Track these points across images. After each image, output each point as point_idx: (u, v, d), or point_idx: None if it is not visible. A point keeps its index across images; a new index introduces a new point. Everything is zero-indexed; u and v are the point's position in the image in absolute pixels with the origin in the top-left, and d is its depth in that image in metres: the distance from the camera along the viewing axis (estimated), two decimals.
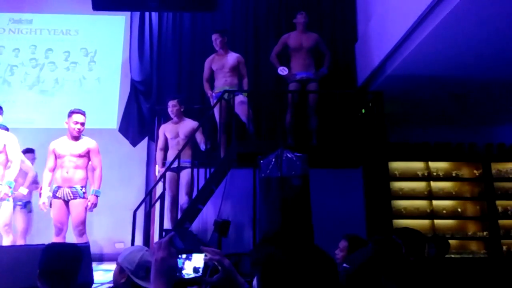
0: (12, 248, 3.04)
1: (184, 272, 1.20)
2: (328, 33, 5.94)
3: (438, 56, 4.24)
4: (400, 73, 4.72)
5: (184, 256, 1.22)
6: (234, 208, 5.43)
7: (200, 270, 1.22)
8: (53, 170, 3.96)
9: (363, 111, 5.33)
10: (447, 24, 3.57)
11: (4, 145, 3.82)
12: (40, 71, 6.20)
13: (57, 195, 3.87)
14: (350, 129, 5.19)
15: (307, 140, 5.02)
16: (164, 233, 4.29)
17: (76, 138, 3.96)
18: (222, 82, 4.96)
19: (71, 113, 3.97)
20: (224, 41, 4.99)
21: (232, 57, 5.01)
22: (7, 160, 3.82)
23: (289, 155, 4.42)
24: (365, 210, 5.18)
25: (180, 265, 1.20)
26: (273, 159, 4.43)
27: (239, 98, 4.86)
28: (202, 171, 4.98)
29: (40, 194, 4.07)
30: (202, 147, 4.77)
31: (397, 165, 5.69)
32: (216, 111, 4.89)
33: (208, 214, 5.37)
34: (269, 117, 5.39)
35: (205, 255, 1.23)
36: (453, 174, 5.75)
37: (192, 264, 1.23)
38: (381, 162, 5.19)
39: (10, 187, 3.75)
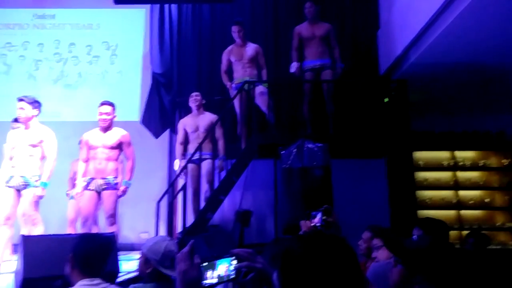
0: (43, 237, 3.14)
1: (206, 281, 1.16)
2: (349, 21, 5.82)
3: (464, 42, 4.10)
4: (424, 60, 4.59)
5: (206, 264, 1.18)
6: (255, 199, 5.44)
7: (230, 274, 1.20)
8: (86, 161, 4.05)
9: (386, 99, 5.22)
10: (473, 8, 3.43)
11: (41, 140, 3.90)
12: (64, 65, 6.31)
13: (89, 187, 3.95)
14: (373, 118, 5.11)
15: (328, 130, 4.97)
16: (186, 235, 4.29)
17: (106, 129, 4.03)
18: (241, 73, 4.94)
19: (99, 104, 4.07)
20: (243, 33, 4.96)
21: (250, 48, 4.98)
22: (43, 156, 3.91)
23: (310, 146, 4.39)
24: (388, 201, 5.10)
25: (204, 274, 1.15)
26: (294, 150, 4.41)
27: (259, 88, 4.83)
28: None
29: (74, 184, 4.17)
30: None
31: (421, 155, 5.58)
32: (236, 102, 4.89)
33: (229, 205, 5.40)
34: (289, 108, 5.36)
35: (236, 263, 1.19)
36: (480, 164, 5.60)
37: (217, 272, 1.19)
38: (405, 152, 5.09)
39: (44, 189, 3.82)
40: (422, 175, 5.55)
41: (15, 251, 3.74)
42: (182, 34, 6.00)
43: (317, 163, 4.33)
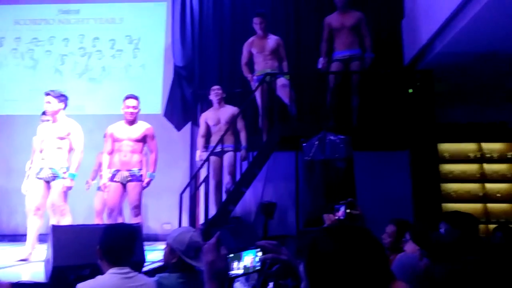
0: (72, 227, 3.24)
1: (232, 272, 1.18)
2: (373, 11, 5.70)
3: (493, 30, 3.95)
4: (451, 50, 4.46)
5: (232, 255, 1.20)
6: (277, 191, 5.45)
7: (256, 265, 1.21)
8: (111, 153, 4.13)
9: (410, 90, 5.12)
10: None
11: (69, 133, 4.00)
12: (88, 60, 6.44)
13: (115, 179, 4.04)
14: (397, 110, 5.02)
15: (351, 121, 4.91)
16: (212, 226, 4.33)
17: (131, 122, 4.11)
18: (263, 65, 4.93)
19: (124, 98, 4.13)
20: (265, 24, 4.94)
21: (272, 40, 4.96)
22: (71, 148, 4.02)
23: (332, 138, 4.36)
24: (412, 194, 5.03)
25: (230, 265, 1.17)
26: (316, 142, 4.38)
27: (281, 81, 4.82)
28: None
29: (101, 176, 4.26)
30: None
31: (447, 147, 5.47)
32: (258, 94, 4.89)
33: (251, 197, 5.44)
34: (311, 99, 5.32)
35: (261, 255, 1.21)
36: (509, 156, 5.44)
37: (243, 263, 1.21)
38: (430, 144, 4.99)
39: (72, 180, 3.93)
40: (447, 167, 5.44)
41: (43, 240, 3.88)
42: (203, 27, 6.01)
43: (339, 156, 4.29)
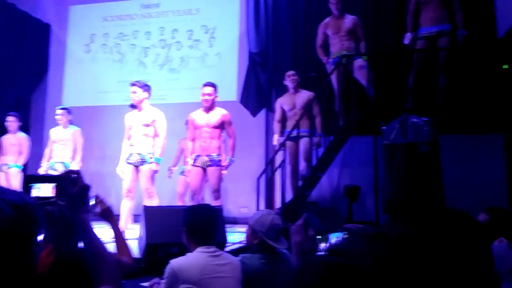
0: (161, 208, 3.47)
1: (319, 253, 1.19)
2: None
3: None
4: None
5: (320, 237, 1.20)
6: (354, 176, 5.31)
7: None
8: (193, 140, 4.34)
9: (506, 66, 4.62)
10: None
11: (154, 120, 4.28)
12: (168, 51, 6.77)
13: (196, 163, 4.25)
14: (489, 87, 4.58)
15: (436, 103, 4.58)
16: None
17: (209, 109, 4.26)
18: (339, 47, 4.77)
19: (202, 86, 4.29)
20: (341, 4, 4.76)
21: (348, 20, 4.77)
22: (156, 134, 4.30)
23: (415, 120, 4.12)
24: (507, 180, 4.58)
25: (318, 246, 1.18)
26: (397, 125, 4.17)
27: (358, 62, 4.64)
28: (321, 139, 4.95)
29: (186, 162, 4.52)
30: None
31: None
32: (334, 77, 4.76)
33: (326, 182, 5.36)
34: (392, 81, 5.06)
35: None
36: None
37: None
38: None
39: (158, 164, 4.21)
40: None
41: (135, 220, 4.21)
42: (277, 10, 5.97)
43: (423, 139, 4.04)
